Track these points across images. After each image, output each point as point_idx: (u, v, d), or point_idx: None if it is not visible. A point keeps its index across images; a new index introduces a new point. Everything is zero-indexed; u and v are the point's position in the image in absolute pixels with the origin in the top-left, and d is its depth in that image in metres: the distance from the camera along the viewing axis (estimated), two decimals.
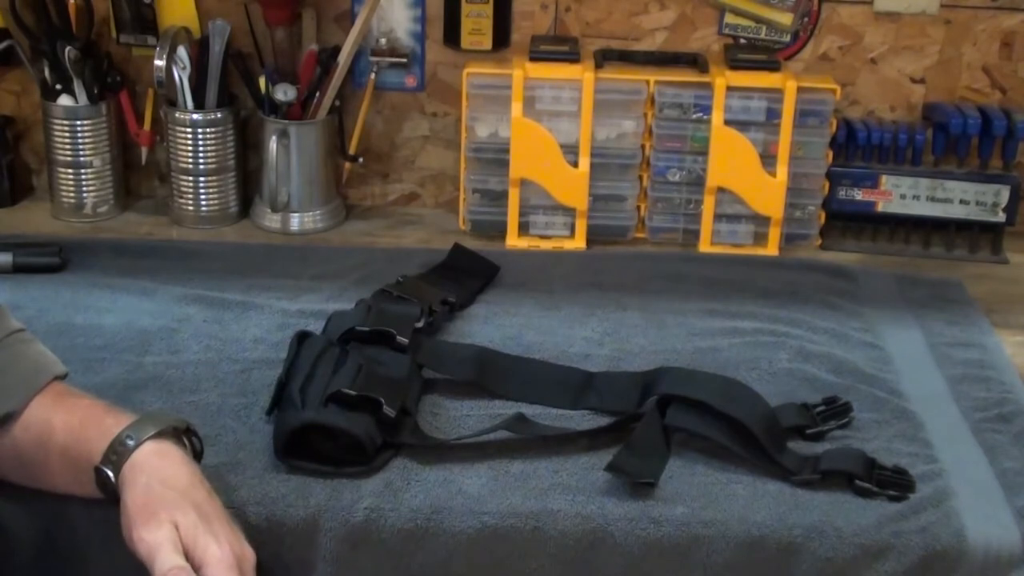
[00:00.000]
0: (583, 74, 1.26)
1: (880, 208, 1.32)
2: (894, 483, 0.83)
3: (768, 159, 1.27)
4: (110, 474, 0.75)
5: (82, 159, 1.32)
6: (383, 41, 1.36)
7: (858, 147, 1.31)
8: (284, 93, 1.29)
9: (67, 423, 0.78)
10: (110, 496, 0.75)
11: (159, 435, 0.76)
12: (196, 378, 0.94)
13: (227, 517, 0.75)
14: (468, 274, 1.13)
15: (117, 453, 0.75)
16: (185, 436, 0.79)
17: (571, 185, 1.28)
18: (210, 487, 0.76)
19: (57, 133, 1.31)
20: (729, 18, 1.35)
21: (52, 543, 0.80)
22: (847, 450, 0.86)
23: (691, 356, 1.00)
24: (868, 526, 0.79)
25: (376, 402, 0.84)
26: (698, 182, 1.29)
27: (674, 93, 1.28)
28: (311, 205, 1.33)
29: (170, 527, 0.72)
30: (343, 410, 0.84)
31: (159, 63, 1.27)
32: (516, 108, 1.26)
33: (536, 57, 1.28)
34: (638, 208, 1.32)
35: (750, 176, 1.28)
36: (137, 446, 0.75)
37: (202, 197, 1.32)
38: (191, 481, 0.75)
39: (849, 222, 1.34)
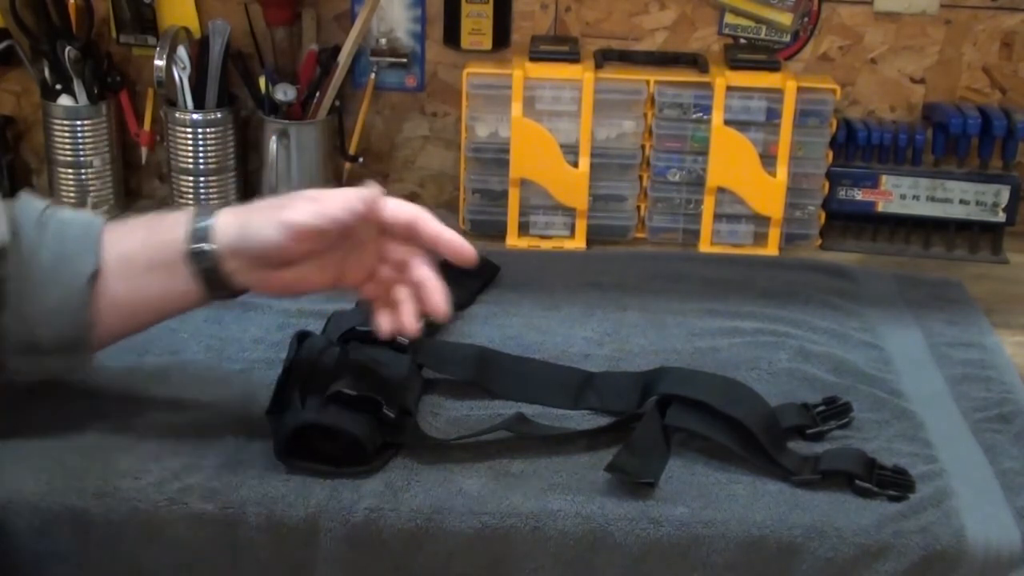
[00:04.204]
0: (583, 74, 1.26)
1: (880, 208, 1.32)
2: (894, 483, 0.83)
3: (768, 159, 1.27)
4: (204, 247, 0.79)
5: (82, 159, 1.32)
6: (383, 41, 1.36)
7: (858, 147, 1.31)
8: (284, 93, 1.29)
9: (136, 245, 0.82)
10: (210, 278, 0.80)
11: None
12: (196, 378, 0.94)
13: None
14: (468, 274, 1.12)
15: (197, 235, 0.80)
16: None
17: (571, 185, 1.28)
18: None
19: (57, 133, 1.31)
20: (729, 18, 1.35)
21: (52, 543, 0.80)
22: (847, 450, 0.86)
23: (691, 356, 1.00)
24: (868, 526, 0.79)
25: (376, 402, 0.84)
26: (698, 182, 1.30)
27: (674, 93, 1.28)
28: None
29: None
30: (343, 410, 0.84)
31: (159, 63, 1.27)
32: (516, 108, 1.26)
33: (536, 57, 1.28)
34: (638, 208, 1.32)
35: (750, 176, 1.28)
36: (213, 220, 0.80)
37: (202, 197, 1.32)
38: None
39: (849, 222, 1.34)
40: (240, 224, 0.80)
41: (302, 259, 0.80)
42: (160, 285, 0.82)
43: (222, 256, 0.80)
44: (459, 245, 0.81)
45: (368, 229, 0.82)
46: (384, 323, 0.83)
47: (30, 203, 0.84)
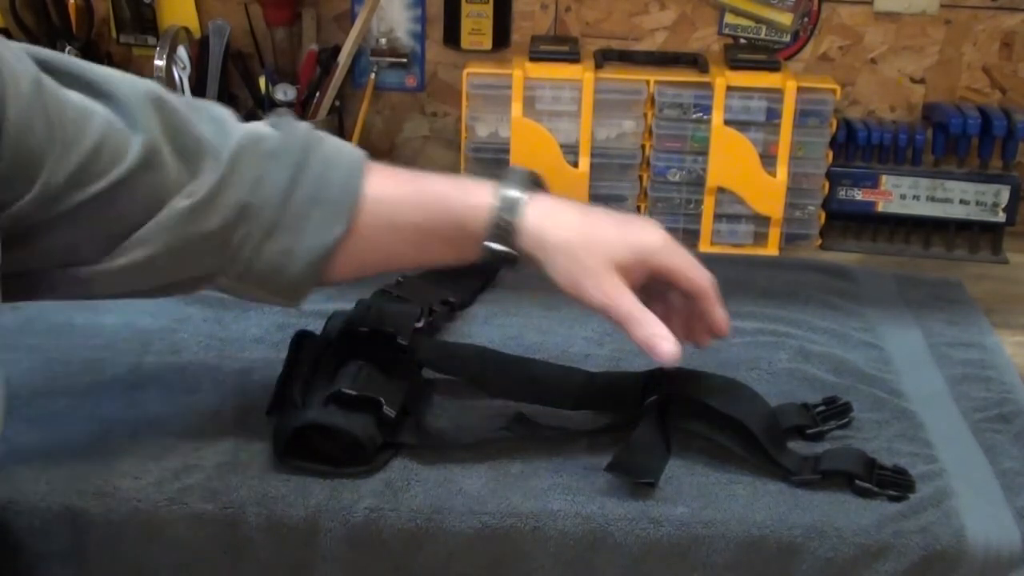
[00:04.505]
0: (583, 74, 1.26)
1: (880, 208, 1.32)
2: (894, 483, 0.83)
3: (768, 159, 1.27)
4: (503, 248, 0.79)
5: None
6: (383, 41, 1.36)
7: (858, 147, 1.31)
8: (284, 93, 1.29)
9: (413, 211, 0.80)
10: (497, 263, 0.80)
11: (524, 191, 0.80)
12: (196, 378, 0.94)
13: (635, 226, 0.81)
14: (468, 274, 1.13)
15: (502, 229, 0.79)
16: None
17: (571, 185, 1.28)
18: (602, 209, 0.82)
19: None
20: (729, 18, 1.35)
21: (52, 543, 0.80)
22: (847, 450, 0.86)
23: (691, 356, 1.00)
24: (868, 526, 0.79)
25: (376, 402, 0.84)
26: (698, 182, 1.30)
27: (674, 93, 1.28)
28: None
29: (615, 276, 0.79)
30: (343, 410, 0.84)
31: (159, 63, 1.27)
32: (516, 108, 1.26)
33: (536, 57, 1.28)
34: (638, 208, 1.32)
35: (750, 176, 1.28)
36: (519, 216, 0.79)
37: None
38: (589, 219, 0.80)
39: (849, 222, 1.34)
40: (542, 253, 0.79)
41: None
42: (435, 252, 0.82)
43: (519, 258, 0.80)
44: (723, 331, 0.85)
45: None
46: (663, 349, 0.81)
47: (293, 127, 0.80)
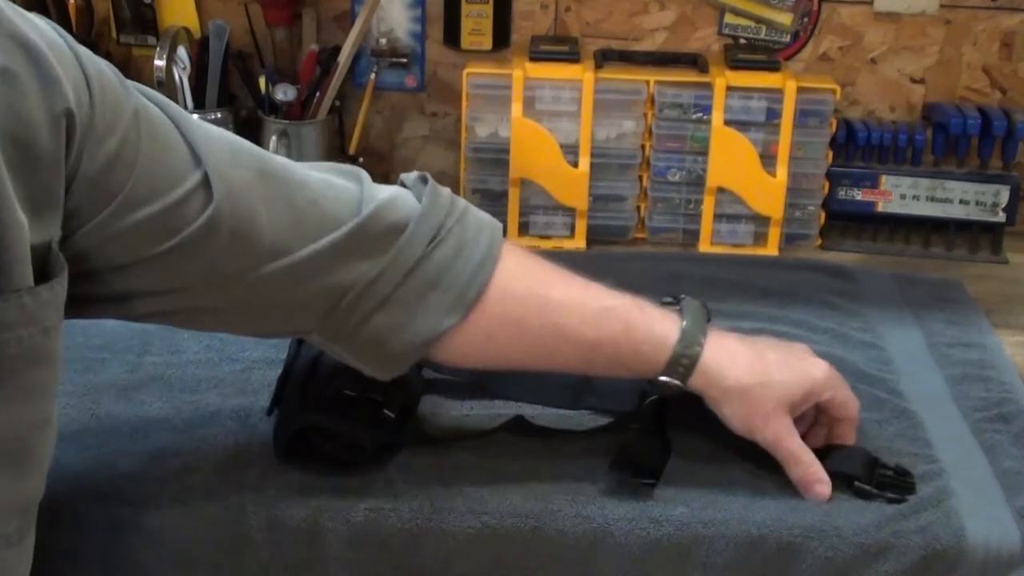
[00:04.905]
0: (583, 74, 1.26)
1: (880, 208, 1.32)
2: (894, 484, 0.83)
3: (768, 159, 1.27)
4: (677, 383, 0.80)
5: None
6: (383, 41, 1.36)
7: (858, 147, 1.31)
8: (284, 93, 1.29)
9: (588, 326, 0.80)
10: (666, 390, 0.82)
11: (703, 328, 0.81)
12: (196, 378, 0.94)
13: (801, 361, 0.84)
14: None
15: (682, 366, 0.80)
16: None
17: (571, 185, 1.28)
18: (773, 344, 0.86)
19: None
20: (729, 18, 1.35)
21: (52, 543, 0.80)
22: (851, 450, 0.86)
23: None
24: (868, 526, 0.79)
25: (376, 402, 0.84)
26: (698, 182, 1.30)
27: (674, 93, 1.28)
28: None
29: (786, 417, 0.81)
30: (343, 410, 0.84)
31: (159, 63, 1.27)
32: (516, 108, 1.26)
33: (536, 57, 1.28)
34: (638, 208, 1.32)
35: (750, 176, 1.28)
36: (698, 354, 0.80)
37: None
38: (761, 360, 0.82)
39: (849, 222, 1.34)
40: (717, 392, 0.81)
41: None
42: (599, 366, 0.82)
43: (686, 391, 0.81)
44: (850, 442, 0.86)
45: None
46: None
47: (437, 201, 0.78)
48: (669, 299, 0.85)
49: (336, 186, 0.76)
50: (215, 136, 0.72)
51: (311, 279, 0.73)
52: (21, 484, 0.64)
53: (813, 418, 0.86)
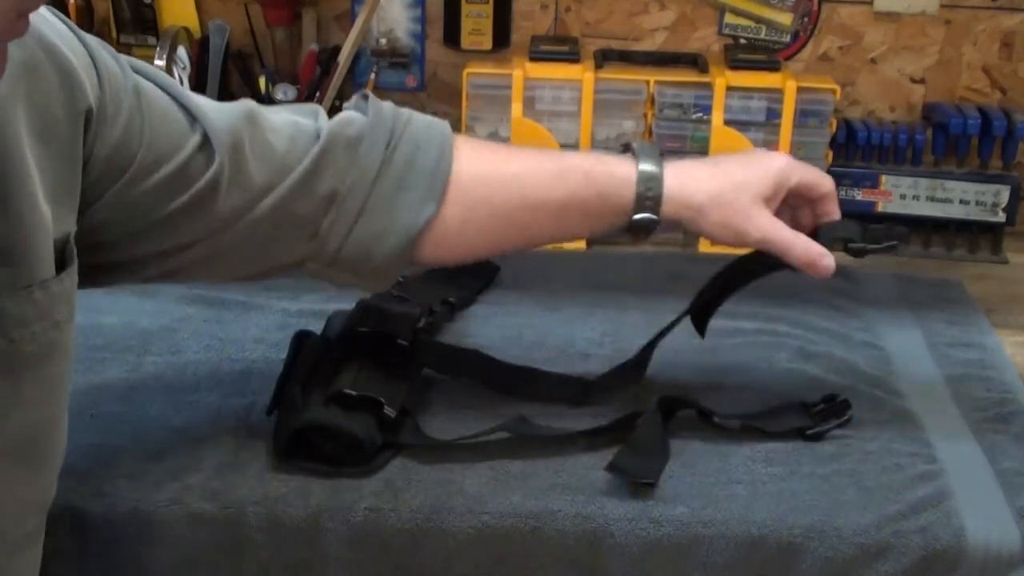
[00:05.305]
0: (583, 74, 1.26)
1: (880, 208, 1.32)
2: (887, 235, 0.91)
3: None
4: (650, 216, 0.83)
5: None
6: (383, 41, 1.36)
7: (858, 147, 1.31)
8: (284, 93, 1.29)
9: (547, 189, 0.82)
10: (636, 232, 0.84)
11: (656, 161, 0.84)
12: (196, 378, 0.94)
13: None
14: (468, 274, 1.13)
15: (649, 199, 0.82)
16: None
17: None
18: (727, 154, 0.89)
19: None
20: (729, 18, 1.35)
21: (52, 543, 0.80)
22: (839, 222, 0.90)
23: (692, 357, 1.00)
24: (868, 526, 0.79)
25: (376, 402, 0.84)
26: None
27: (674, 93, 1.28)
28: None
29: (765, 209, 0.83)
30: (343, 410, 0.84)
31: (159, 63, 1.27)
32: (516, 108, 1.26)
33: (536, 57, 1.28)
34: None
35: None
36: (661, 184, 0.82)
37: None
38: (721, 168, 0.84)
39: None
40: (691, 211, 0.83)
41: None
42: (573, 226, 0.84)
43: (661, 225, 0.83)
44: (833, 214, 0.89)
45: None
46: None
47: (382, 111, 0.82)
48: (620, 148, 0.88)
49: (300, 124, 0.80)
50: (201, 96, 0.77)
51: (294, 208, 0.78)
52: (38, 482, 0.64)
53: (791, 214, 0.88)
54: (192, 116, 0.74)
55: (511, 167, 0.83)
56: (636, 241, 0.85)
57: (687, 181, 0.83)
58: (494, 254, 0.86)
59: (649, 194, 0.82)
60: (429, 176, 0.80)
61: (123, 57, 0.72)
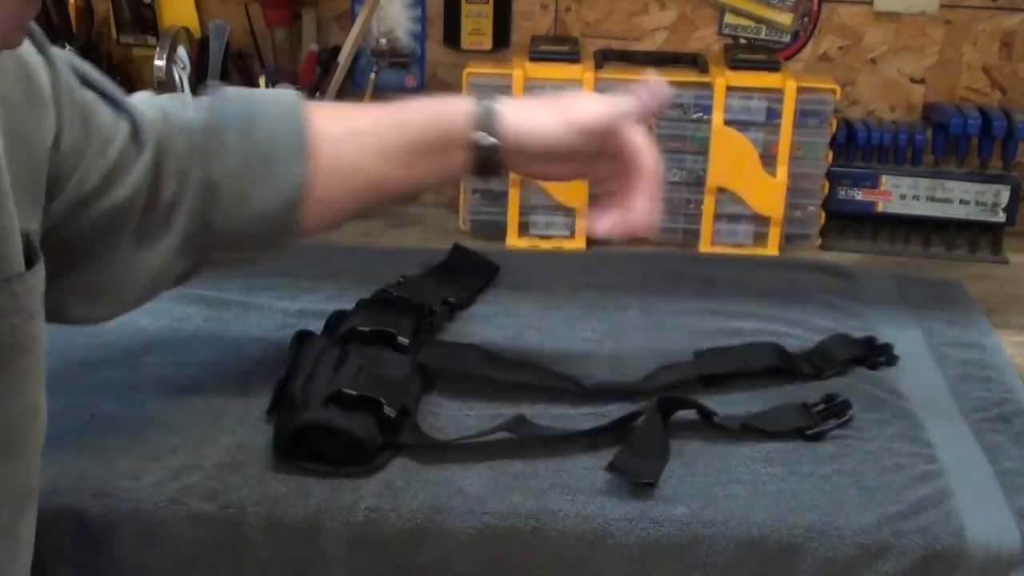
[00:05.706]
0: (583, 74, 1.26)
1: (880, 208, 1.32)
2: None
3: (768, 159, 1.27)
4: (490, 139, 0.84)
5: None
6: (383, 41, 1.36)
7: (858, 147, 1.31)
8: None
9: (394, 130, 0.85)
10: (484, 164, 0.85)
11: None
12: (196, 378, 0.94)
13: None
14: (468, 274, 1.13)
15: (488, 125, 0.84)
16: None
17: (571, 185, 1.28)
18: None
19: None
20: (729, 18, 1.35)
21: (52, 542, 0.80)
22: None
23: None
24: (868, 526, 0.79)
25: (376, 402, 0.85)
26: (698, 182, 1.29)
27: (674, 93, 1.27)
28: None
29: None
30: (343, 410, 0.84)
31: (159, 63, 1.27)
32: None
33: (536, 57, 1.28)
34: None
35: (750, 176, 1.28)
36: (498, 109, 0.85)
37: None
38: (551, 96, 0.87)
39: (849, 222, 1.34)
40: (527, 120, 0.85)
41: (570, 155, 0.86)
42: (423, 166, 0.85)
43: (504, 147, 0.84)
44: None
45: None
46: (599, 224, 0.86)
47: (227, 97, 0.84)
48: None
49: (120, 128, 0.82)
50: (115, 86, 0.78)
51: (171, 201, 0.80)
52: (11, 472, 0.64)
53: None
54: (118, 105, 0.76)
55: (361, 124, 0.85)
56: (488, 178, 0.89)
57: (525, 105, 0.86)
58: (366, 210, 0.89)
59: (486, 118, 0.84)
60: (292, 141, 0.82)
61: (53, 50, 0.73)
